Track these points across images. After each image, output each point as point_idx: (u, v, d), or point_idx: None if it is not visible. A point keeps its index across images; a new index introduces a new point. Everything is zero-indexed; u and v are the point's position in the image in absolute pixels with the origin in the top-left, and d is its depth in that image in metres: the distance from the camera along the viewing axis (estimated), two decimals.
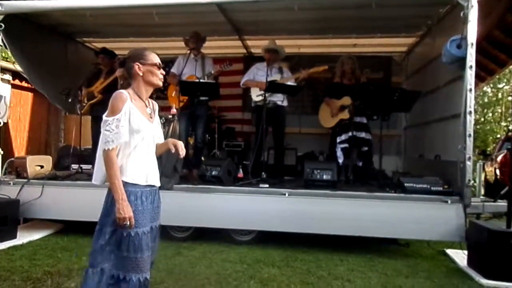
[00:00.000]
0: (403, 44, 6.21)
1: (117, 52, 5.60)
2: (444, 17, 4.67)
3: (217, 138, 6.24)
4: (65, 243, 4.14)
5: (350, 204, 3.95)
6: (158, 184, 2.09)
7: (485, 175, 8.29)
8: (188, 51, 4.95)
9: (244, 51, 6.70)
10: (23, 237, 4.19)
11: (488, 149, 12.59)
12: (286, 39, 5.55)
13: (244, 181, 4.53)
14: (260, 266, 3.56)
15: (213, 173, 4.41)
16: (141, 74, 2.01)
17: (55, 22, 5.55)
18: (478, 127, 17.00)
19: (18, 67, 5.94)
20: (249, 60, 6.60)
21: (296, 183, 4.65)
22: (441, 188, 3.92)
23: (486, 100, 18.52)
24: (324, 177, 4.24)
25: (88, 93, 5.21)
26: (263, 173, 4.47)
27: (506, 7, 4.86)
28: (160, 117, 2.27)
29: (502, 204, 3.98)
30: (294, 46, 5.98)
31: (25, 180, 4.54)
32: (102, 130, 1.93)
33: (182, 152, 2.08)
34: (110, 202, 1.93)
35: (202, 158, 5.27)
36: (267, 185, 4.25)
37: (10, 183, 4.52)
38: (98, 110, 4.75)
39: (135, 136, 1.96)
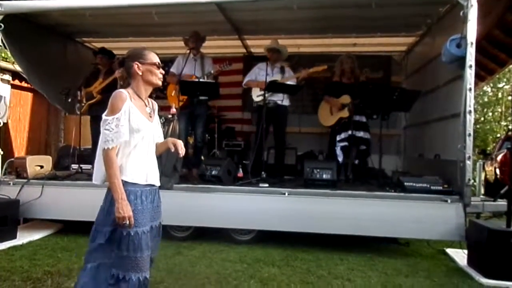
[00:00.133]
0: (403, 44, 6.21)
1: (116, 52, 5.60)
2: (444, 16, 4.67)
3: (217, 138, 6.24)
4: (65, 243, 4.14)
5: (350, 204, 3.95)
6: (158, 183, 2.09)
7: (485, 175, 8.29)
8: (188, 51, 4.95)
9: (244, 50, 6.70)
10: (23, 237, 4.19)
11: (488, 148, 12.59)
12: (286, 38, 5.56)
13: (244, 181, 4.53)
14: (260, 266, 3.56)
15: (213, 172, 4.41)
16: (140, 73, 2.01)
17: (54, 22, 5.54)
18: (478, 126, 16.99)
19: (17, 67, 5.93)
20: (249, 59, 6.60)
21: (296, 182, 4.65)
22: (441, 188, 3.92)
23: (486, 99, 18.51)
24: (324, 176, 4.24)
25: (86, 93, 5.21)
26: (263, 172, 4.47)
27: (506, 6, 4.86)
28: (160, 117, 2.26)
29: (502, 203, 3.98)
30: (293, 46, 5.97)
31: (25, 180, 4.54)
32: (101, 129, 1.93)
33: (182, 151, 2.08)
34: (110, 202, 1.93)
35: (202, 158, 5.27)
36: (267, 185, 4.25)
37: (10, 183, 4.52)
38: (97, 110, 4.75)
39: (134, 135, 1.96)
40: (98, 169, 2.01)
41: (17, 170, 4.78)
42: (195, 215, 4.16)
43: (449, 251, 4.08)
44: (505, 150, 7.11)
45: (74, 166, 5.44)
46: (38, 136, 7.75)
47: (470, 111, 3.74)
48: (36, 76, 5.60)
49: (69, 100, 5.28)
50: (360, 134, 4.92)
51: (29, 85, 6.53)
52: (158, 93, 5.01)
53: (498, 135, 16.10)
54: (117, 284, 1.89)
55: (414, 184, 4.00)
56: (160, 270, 3.27)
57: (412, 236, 4.12)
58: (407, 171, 5.67)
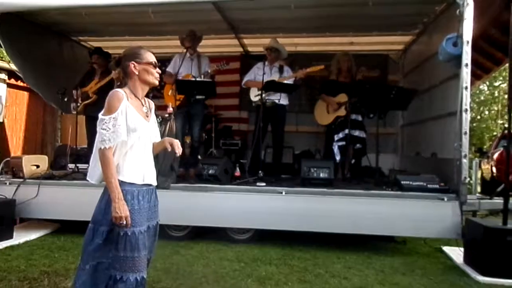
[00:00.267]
0: (400, 42, 6.22)
1: (112, 50, 5.58)
2: (440, 15, 4.68)
3: (214, 137, 6.24)
4: (61, 243, 4.13)
5: (347, 202, 3.96)
6: (154, 183, 2.09)
7: (481, 173, 8.33)
8: (184, 50, 4.93)
9: (241, 49, 6.69)
10: (20, 237, 4.18)
11: (484, 146, 12.64)
12: (283, 37, 5.55)
13: (241, 180, 4.53)
14: (258, 264, 3.56)
15: (210, 171, 4.41)
16: (136, 73, 2.00)
17: (50, 21, 5.52)
18: (474, 124, 17.06)
19: (13, 66, 5.90)
20: (246, 58, 6.60)
21: (293, 181, 4.65)
22: (437, 186, 3.94)
23: (482, 98, 18.60)
24: (321, 175, 4.25)
25: (82, 93, 5.19)
26: (260, 171, 4.47)
27: (502, 5, 4.86)
28: (157, 116, 2.26)
29: (498, 201, 4.00)
30: (291, 45, 5.97)
31: (21, 180, 4.52)
32: (98, 129, 1.92)
33: (179, 150, 2.08)
34: (107, 201, 1.92)
35: (199, 157, 5.26)
36: (264, 184, 4.25)
37: (6, 183, 4.50)
38: (92, 111, 4.73)
39: (131, 135, 1.95)
40: (94, 168, 2.01)
41: (13, 170, 4.76)
42: (193, 215, 4.16)
43: (446, 249, 4.10)
44: (501, 148, 7.15)
45: (71, 165, 5.43)
46: (34, 135, 7.71)
47: (466, 110, 3.76)
48: (32, 75, 5.57)
49: (65, 99, 5.26)
50: (356, 133, 4.93)
51: (25, 84, 6.49)
52: (155, 93, 5.01)
53: (495, 133, 16.19)
54: (115, 285, 1.88)
55: (411, 183, 4.01)
56: (158, 269, 3.27)
57: (409, 234, 4.13)
58: (404, 170, 5.69)
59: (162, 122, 4.10)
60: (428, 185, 3.95)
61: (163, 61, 4.49)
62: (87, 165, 2.09)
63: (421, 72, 5.42)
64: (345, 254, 3.88)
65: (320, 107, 5.21)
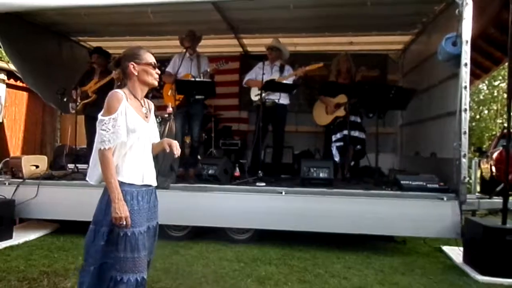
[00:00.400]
0: (399, 42, 6.22)
1: (112, 51, 5.58)
2: (439, 14, 4.68)
3: (214, 137, 6.24)
4: (61, 243, 4.12)
5: (347, 202, 3.96)
6: (154, 183, 2.09)
7: (481, 172, 8.35)
8: (184, 50, 4.93)
9: (240, 49, 6.68)
10: (19, 237, 4.18)
11: (484, 146, 12.65)
12: (283, 37, 5.55)
13: (240, 180, 4.53)
14: (257, 264, 3.56)
15: (210, 172, 4.40)
16: (136, 73, 2.00)
17: (49, 21, 5.51)
18: (473, 124, 17.07)
19: (12, 67, 5.90)
20: (246, 58, 6.59)
21: (292, 181, 4.65)
22: (437, 185, 3.94)
23: (481, 97, 18.61)
24: (321, 175, 4.25)
25: (81, 92, 5.19)
26: (259, 171, 4.47)
27: (501, 4, 4.86)
28: (156, 116, 2.26)
29: (497, 200, 4.01)
30: (290, 44, 5.97)
31: (21, 180, 4.51)
32: (98, 129, 1.92)
33: (177, 151, 2.08)
34: (107, 202, 1.92)
35: (199, 157, 5.26)
36: (263, 184, 4.25)
37: (5, 183, 4.50)
38: (92, 111, 4.73)
39: (130, 135, 1.95)
40: (94, 168, 2.01)
41: (12, 170, 4.76)
42: (192, 215, 4.16)
43: (445, 248, 4.10)
44: (501, 148, 7.15)
45: (70, 165, 5.43)
46: (33, 135, 7.71)
47: (465, 109, 3.76)
48: (31, 75, 5.56)
49: (65, 99, 5.25)
50: (356, 133, 4.93)
51: (24, 85, 6.49)
52: (155, 93, 5.00)
53: (494, 132, 16.20)
54: (115, 287, 1.88)
55: (410, 182, 4.02)
56: (157, 269, 3.27)
57: (409, 234, 4.13)
58: (404, 169, 5.69)
59: (162, 122, 4.10)
60: (428, 185, 3.96)
61: (162, 61, 4.48)
62: (87, 165, 2.09)
63: (421, 71, 5.42)
64: (345, 254, 3.89)
65: (319, 108, 5.22)
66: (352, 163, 5.06)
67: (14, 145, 7.34)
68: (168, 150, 2.07)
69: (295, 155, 6.00)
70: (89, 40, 6.54)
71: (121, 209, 1.87)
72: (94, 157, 1.98)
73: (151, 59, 2.05)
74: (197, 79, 4.85)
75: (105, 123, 1.89)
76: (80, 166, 5.09)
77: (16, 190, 4.41)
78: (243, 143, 6.42)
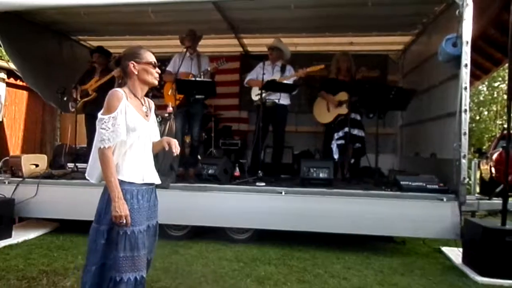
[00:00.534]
0: (399, 43, 6.22)
1: (112, 50, 5.58)
2: (440, 15, 4.68)
3: (214, 137, 6.24)
4: (60, 242, 4.12)
5: (346, 202, 3.95)
6: (156, 181, 2.09)
7: (481, 173, 8.35)
8: (184, 50, 4.93)
9: (241, 49, 6.68)
10: (18, 236, 4.17)
11: (484, 147, 12.66)
12: (283, 37, 5.55)
13: (240, 180, 4.53)
14: (257, 264, 3.56)
15: (210, 171, 4.40)
16: (136, 72, 2.00)
17: (49, 20, 5.51)
18: (473, 125, 17.08)
19: (12, 66, 5.90)
20: (246, 58, 6.59)
21: (292, 181, 4.65)
22: (436, 186, 3.94)
23: (481, 98, 18.62)
24: (321, 175, 4.25)
25: (82, 90, 5.19)
26: (259, 171, 4.47)
27: (501, 5, 4.87)
28: (156, 116, 2.26)
29: (497, 201, 4.00)
30: (291, 45, 5.96)
31: (20, 179, 4.51)
32: (97, 128, 1.92)
33: (176, 150, 2.08)
34: (107, 201, 1.93)
35: (199, 157, 5.26)
36: (263, 184, 4.25)
37: (5, 182, 4.50)
38: (92, 109, 4.73)
39: (131, 134, 1.95)
40: (94, 167, 2.01)
41: (12, 169, 4.75)
42: (192, 214, 4.16)
43: (445, 249, 4.10)
44: (500, 149, 7.16)
45: (70, 164, 5.43)
46: (33, 134, 7.71)
47: (465, 110, 3.76)
48: (31, 74, 5.56)
49: (65, 98, 5.25)
50: (355, 132, 4.93)
51: (24, 84, 6.49)
52: (155, 92, 5.01)
53: (493, 134, 16.20)
54: (114, 287, 1.88)
55: (410, 183, 4.01)
56: (157, 269, 3.27)
57: (408, 235, 4.13)
58: (403, 170, 5.69)
59: (162, 122, 4.10)
60: (427, 186, 3.96)
61: (163, 61, 4.49)
62: (86, 164, 2.09)
63: (421, 72, 5.42)
64: (344, 254, 3.89)
65: (320, 105, 5.19)
66: (352, 160, 5.06)
67: (14, 144, 7.34)
68: (167, 149, 2.07)
69: (295, 155, 6.00)
70: (89, 39, 6.53)
71: (121, 208, 1.87)
72: (94, 155, 1.98)
73: (151, 58, 2.05)
74: (197, 79, 4.85)
75: (105, 121, 1.89)
76: (79, 165, 5.09)
77: (16, 189, 4.41)
78: (243, 143, 6.42)
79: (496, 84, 17.64)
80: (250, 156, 5.35)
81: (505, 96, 16.77)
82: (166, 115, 4.29)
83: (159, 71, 2.10)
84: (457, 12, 3.75)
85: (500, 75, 15.56)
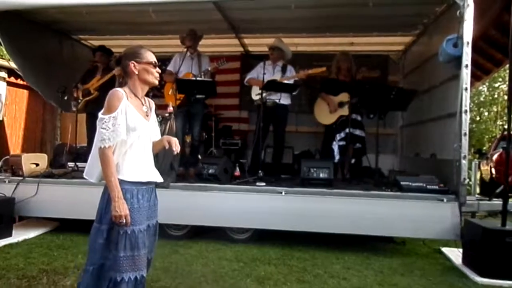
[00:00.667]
0: (400, 43, 6.22)
1: (113, 49, 5.58)
2: (441, 16, 4.68)
3: (214, 136, 6.24)
4: (60, 241, 4.12)
5: (347, 203, 3.95)
6: (156, 180, 2.09)
7: (481, 174, 8.35)
8: (185, 49, 4.93)
9: (241, 49, 6.69)
10: (19, 235, 4.18)
11: (484, 148, 12.66)
12: (284, 37, 5.55)
13: (240, 180, 4.53)
14: (257, 264, 3.56)
15: (210, 171, 4.40)
16: (136, 72, 2.01)
17: (50, 19, 5.51)
18: (473, 126, 17.08)
19: (13, 65, 5.90)
20: (246, 58, 6.59)
21: (292, 181, 4.65)
22: (436, 187, 3.94)
23: (482, 99, 18.62)
24: (321, 175, 4.25)
25: (84, 89, 5.20)
26: (259, 171, 4.47)
27: (502, 6, 4.87)
28: (157, 115, 2.26)
29: (497, 202, 4.00)
30: (291, 45, 5.96)
31: (21, 178, 4.51)
32: (98, 127, 1.92)
33: (177, 148, 2.08)
34: (107, 200, 1.93)
35: (199, 156, 5.26)
36: (263, 184, 4.25)
37: (5, 181, 4.50)
38: (93, 108, 4.73)
39: (131, 134, 1.96)
40: (94, 166, 2.01)
41: (12, 168, 4.76)
42: (192, 214, 4.16)
43: (445, 250, 4.10)
44: (501, 150, 7.16)
45: (70, 164, 5.43)
46: (33, 133, 7.71)
47: (466, 111, 3.76)
48: (32, 74, 5.57)
49: (65, 98, 5.26)
50: (357, 132, 4.94)
51: (25, 83, 6.49)
52: (155, 92, 5.01)
53: (494, 134, 16.20)
54: (115, 287, 1.88)
55: (410, 183, 4.01)
56: (157, 268, 3.27)
57: (408, 235, 4.13)
58: (404, 170, 5.69)
59: (162, 121, 4.10)
60: (428, 186, 3.95)
61: (163, 60, 4.50)
62: (87, 163, 2.09)
63: (421, 73, 5.42)
64: (344, 255, 3.89)
65: (321, 106, 5.18)
66: (353, 161, 5.05)
67: (14, 143, 7.35)
68: (167, 147, 2.08)
69: (295, 155, 6.00)
70: (90, 39, 6.54)
71: (121, 208, 1.87)
72: (94, 154, 1.98)
73: (152, 58, 2.05)
74: (198, 79, 4.85)
75: (105, 121, 1.89)
76: (80, 164, 5.09)
77: (16, 188, 4.41)
78: (244, 142, 6.42)
79: (496, 85, 17.63)
80: (250, 156, 5.35)
81: (506, 97, 16.77)
82: (167, 114, 4.29)
83: (160, 71, 2.10)
84: (458, 12, 3.74)
85: (501, 76, 15.56)
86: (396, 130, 6.57)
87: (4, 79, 7.03)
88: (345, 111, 4.93)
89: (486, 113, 18.68)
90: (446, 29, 4.12)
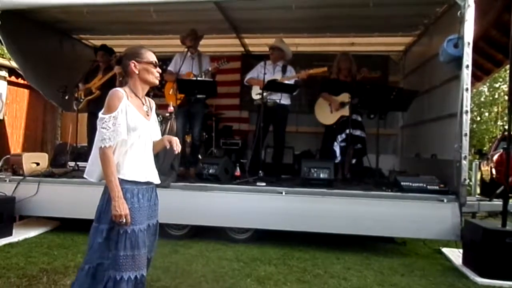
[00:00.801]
0: (401, 43, 6.23)
1: (114, 49, 5.57)
2: (441, 16, 4.68)
3: (214, 136, 6.24)
4: (61, 241, 4.13)
5: (347, 203, 3.96)
6: (156, 181, 2.09)
7: (481, 174, 8.34)
8: (185, 49, 4.94)
9: (242, 49, 6.69)
10: (19, 235, 4.18)
11: (484, 148, 12.64)
12: (284, 37, 5.55)
13: (241, 180, 4.53)
14: (257, 264, 3.56)
15: (210, 171, 4.41)
16: (137, 72, 2.01)
17: (51, 19, 5.52)
18: (474, 126, 17.06)
19: (14, 64, 5.91)
20: (247, 58, 6.60)
21: (293, 181, 4.65)
22: (437, 187, 3.94)
23: (482, 99, 18.60)
24: (321, 175, 4.25)
25: (86, 89, 5.20)
26: (260, 171, 4.47)
27: (503, 6, 4.88)
28: (157, 115, 2.26)
29: (497, 203, 4.00)
30: (292, 45, 5.97)
31: (21, 177, 4.52)
32: (98, 127, 1.92)
33: (177, 148, 2.08)
34: (107, 200, 1.93)
35: (199, 156, 5.27)
36: (264, 184, 4.26)
37: (6, 180, 4.51)
38: (95, 107, 4.73)
39: (131, 134, 1.96)
40: (94, 166, 2.01)
41: (13, 167, 4.76)
42: (192, 214, 4.16)
43: (445, 250, 4.10)
44: (501, 150, 7.15)
45: (71, 163, 5.43)
46: (34, 133, 7.72)
47: (466, 111, 3.75)
48: (33, 73, 5.57)
49: (66, 97, 5.26)
50: (357, 132, 4.93)
51: (25, 82, 6.51)
52: (156, 92, 5.01)
53: (494, 135, 16.18)
54: (115, 286, 1.88)
55: (410, 184, 4.01)
56: (157, 268, 3.27)
57: (409, 236, 4.13)
58: (404, 171, 5.69)
59: (163, 121, 4.10)
60: (428, 186, 3.96)
61: (164, 60, 4.49)
62: (87, 163, 2.09)
63: (422, 73, 5.42)
64: (344, 255, 3.89)
65: (322, 106, 5.18)
66: (354, 160, 5.05)
67: (15, 142, 7.36)
68: (168, 147, 2.08)
69: (296, 155, 6.01)
70: (90, 38, 6.54)
71: (121, 207, 1.87)
72: (94, 154, 1.99)
73: (152, 57, 2.05)
74: (199, 78, 4.85)
75: (105, 121, 1.89)
76: (80, 164, 5.10)
77: (17, 187, 4.42)
78: (244, 142, 6.42)
79: (497, 85, 17.62)
80: (250, 156, 5.35)
81: (506, 97, 16.77)
82: (167, 114, 4.28)
83: (160, 71, 2.10)
84: (458, 13, 3.75)
85: (501, 76, 15.54)
86: (397, 130, 6.57)
87: (5, 78, 7.04)
88: (346, 111, 4.93)
89: (486, 114, 18.67)
90: (446, 30, 4.12)
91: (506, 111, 4.96)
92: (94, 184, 2.07)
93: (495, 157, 7.53)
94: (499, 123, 17.24)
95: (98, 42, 6.09)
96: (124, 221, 1.88)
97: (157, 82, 2.08)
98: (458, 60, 3.80)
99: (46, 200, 4.39)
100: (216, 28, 5.58)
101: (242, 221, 4.13)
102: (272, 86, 4.83)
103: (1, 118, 6.97)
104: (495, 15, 5.24)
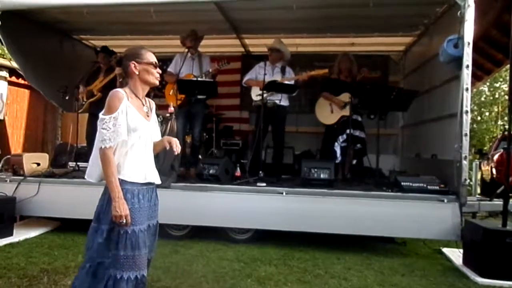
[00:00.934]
0: (401, 43, 6.23)
1: (114, 49, 5.58)
2: (441, 16, 4.68)
3: (215, 137, 6.24)
4: (61, 241, 4.13)
5: (347, 203, 3.96)
6: (156, 181, 2.10)
7: (481, 174, 8.33)
8: (186, 50, 4.94)
9: (242, 49, 6.69)
10: (20, 235, 4.18)
11: (485, 148, 12.62)
12: (284, 37, 5.56)
13: (241, 180, 4.53)
14: (257, 265, 3.57)
15: (211, 171, 4.41)
16: (137, 73, 2.01)
17: (52, 19, 5.53)
18: (474, 126, 17.05)
19: (14, 64, 5.91)
20: (247, 58, 6.60)
21: (293, 182, 4.65)
22: (437, 187, 3.94)
23: (482, 99, 18.59)
24: (322, 176, 4.25)
25: (87, 91, 5.21)
26: (260, 172, 4.47)
27: (503, 6, 4.88)
28: (158, 116, 2.26)
29: (498, 203, 4.00)
30: (292, 45, 5.98)
31: (22, 178, 4.52)
32: (98, 128, 1.93)
33: (177, 148, 2.08)
34: (107, 200, 1.93)
35: (200, 157, 5.27)
36: (264, 184, 4.26)
37: (6, 181, 4.51)
38: (96, 109, 4.74)
39: (132, 134, 1.96)
40: (94, 166, 2.02)
41: (13, 167, 4.77)
42: (193, 214, 4.16)
43: (445, 250, 4.10)
44: (501, 150, 7.14)
45: (71, 163, 5.43)
46: (35, 133, 7.73)
47: (466, 111, 3.76)
48: (33, 73, 5.58)
49: (67, 98, 5.27)
50: (357, 133, 4.94)
51: (26, 82, 6.51)
52: (156, 92, 5.02)
53: (495, 135, 16.17)
54: (115, 285, 1.89)
55: (411, 184, 4.01)
56: (157, 268, 3.27)
57: (409, 236, 4.13)
58: (404, 171, 5.69)
59: (163, 122, 4.10)
60: (428, 187, 3.96)
61: (164, 61, 4.50)
62: (87, 163, 2.09)
63: (422, 73, 5.42)
64: (345, 255, 3.89)
65: (323, 106, 5.17)
66: (354, 161, 5.05)
67: (15, 143, 7.36)
68: (168, 148, 2.08)
69: (296, 155, 6.01)
70: (91, 39, 6.55)
71: (121, 208, 1.88)
72: (95, 155, 1.99)
73: (152, 58, 2.05)
74: (199, 79, 4.85)
75: (105, 122, 1.90)
76: (81, 164, 5.10)
77: (17, 187, 4.42)
78: (244, 143, 6.42)
79: (497, 85, 17.61)
80: (251, 157, 5.35)
81: (507, 97, 16.75)
82: (168, 115, 4.29)
83: (160, 71, 2.11)
84: (458, 13, 3.75)
85: (502, 76, 15.53)
86: (397, 130, 6.57)
87: (5, 78, 7.05)
88: (347, 111, 4.93)
89: (487, 113, 18.66)
90: (447, 30, 4.12)
91: (507, 110, 4.97)
92: (94, 184, 2.08)
93: (496, 157, 7.52)
94: (500, 122, 17.23)
95: (98, 43, 6.10)
96: (125, 221, 1.88)
97: (157, 82, 2.09)
98: (458, 60, 3.80)
99: (46, 200, 4.39)
100: (216, 29, 5.58)
101: (242, 221, 4.13)
102: (273, 86, 4.82)
103: (2, 118, 6.98)
104: (495, 15, 5.24)
